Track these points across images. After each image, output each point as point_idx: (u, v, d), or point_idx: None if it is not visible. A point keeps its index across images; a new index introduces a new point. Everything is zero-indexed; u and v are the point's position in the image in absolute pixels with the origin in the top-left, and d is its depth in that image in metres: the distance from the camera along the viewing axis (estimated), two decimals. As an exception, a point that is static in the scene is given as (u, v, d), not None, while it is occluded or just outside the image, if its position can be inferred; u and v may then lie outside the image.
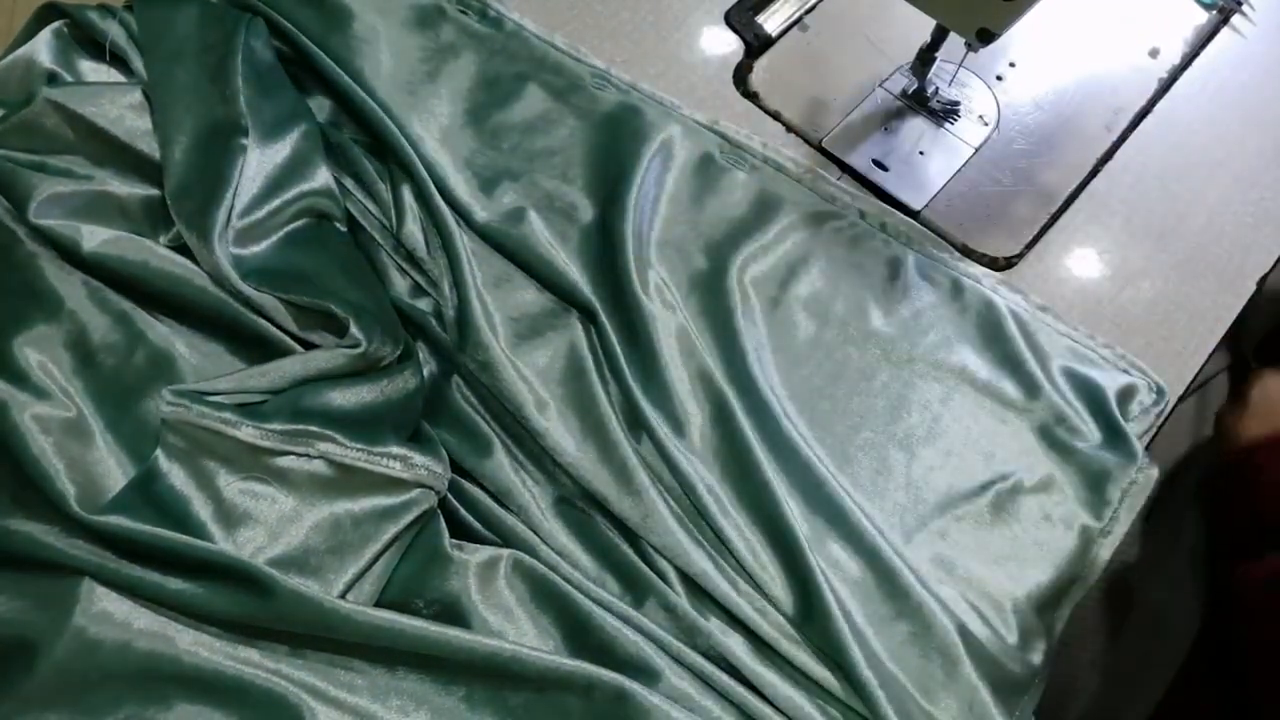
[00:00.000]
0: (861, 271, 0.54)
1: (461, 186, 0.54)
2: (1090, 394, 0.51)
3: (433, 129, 0.56)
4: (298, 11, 0.58)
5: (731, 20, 0.62)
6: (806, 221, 0.55)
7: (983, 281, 0.54)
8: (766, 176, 0.57)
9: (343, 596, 0.43)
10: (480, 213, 0.53)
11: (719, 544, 0.47)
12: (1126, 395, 0.51)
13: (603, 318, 0.51)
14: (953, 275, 0.54)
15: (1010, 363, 0.52)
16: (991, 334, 0.53)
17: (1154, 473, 0.49)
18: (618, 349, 0.50)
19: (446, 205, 0.53)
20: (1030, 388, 0.51)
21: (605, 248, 0.53)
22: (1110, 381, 0.51)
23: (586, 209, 0.55)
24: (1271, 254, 0.55)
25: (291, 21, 0.57)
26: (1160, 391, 0.51)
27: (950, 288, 0.54)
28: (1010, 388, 0.51)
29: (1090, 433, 0.50)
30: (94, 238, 0.47)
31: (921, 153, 0.58)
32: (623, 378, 0.50)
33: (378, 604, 0.44)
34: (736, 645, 0.45)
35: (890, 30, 0.61)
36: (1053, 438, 0.50)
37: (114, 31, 0.54)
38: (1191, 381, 0.52)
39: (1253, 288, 0.54)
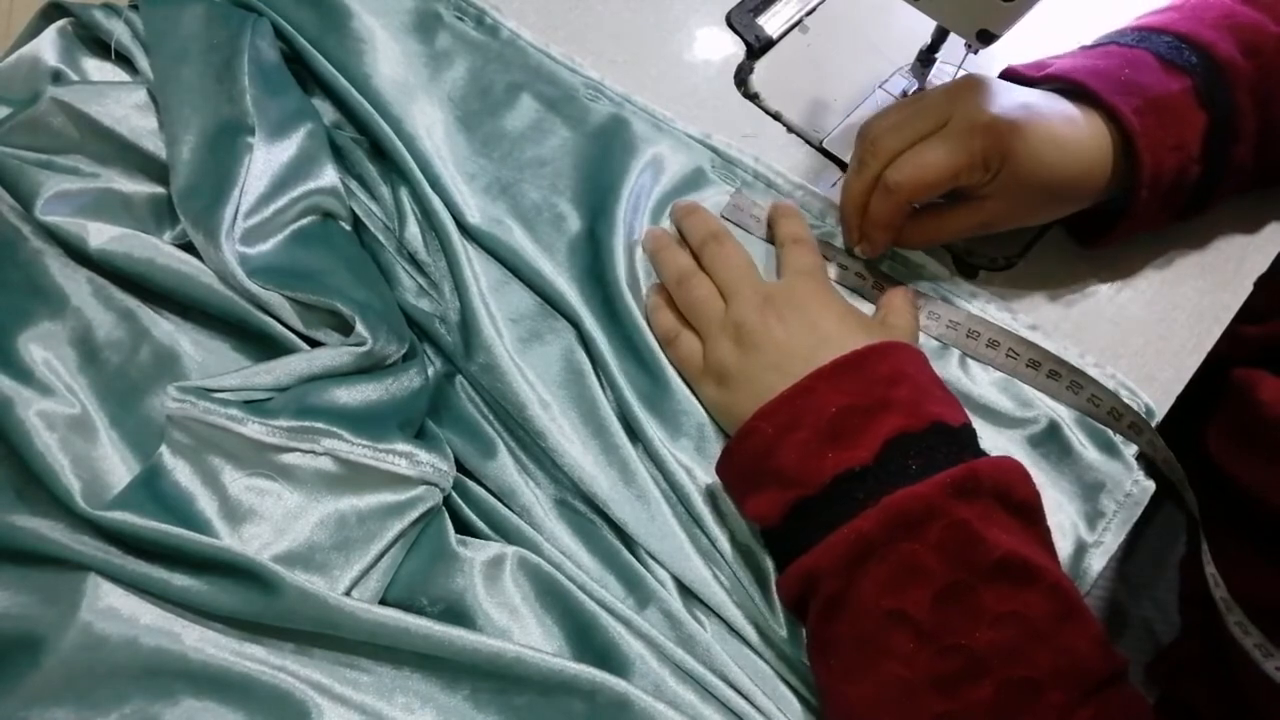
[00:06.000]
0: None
1: (454, 193, 0.54)
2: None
3: (425, 136, 0.56)
4: (295, 13, 0.58)
5: (732, 22, 0.62)
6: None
7: (971, 302, 0.54)
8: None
9: (348, 593, 0.43)
10: (470, 220, 0.54)
11: (716, 552, 0.47)
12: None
13: (588, 327, 0.51)
14: (941, 294, 0.54)
15: (1003, 378, 0.52)
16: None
17: (1150, 485, 0.49)
18: (609, 360, 0.50)
19: (445, 210, 0.53)
20: (1022, 401, 0.51)
21: (595, 261, 0.53)
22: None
23: (575, 220, 0.55)
24: (1268, 254, 0.56)
25: (289, 22, 0.57)
26: (1149, 412, 0.51)
27: (939, 304, 0.53)
28: (1003, 400, 0.51)
29: (1083, 445, 0.50)
30: (101, 235, 0.48)
31: (921, 153, 0.58)
32: (618, 388, 0.50)
33: (383, 601, 0.44)
34: (732, 656, 0.45)
35: (890, 31, 0.62)
36: (1045, 449, 0.50)
37: (119, 31, 0.54)
38: (1189, 382, 0.52)
39: (1249, 288, 0.55)
